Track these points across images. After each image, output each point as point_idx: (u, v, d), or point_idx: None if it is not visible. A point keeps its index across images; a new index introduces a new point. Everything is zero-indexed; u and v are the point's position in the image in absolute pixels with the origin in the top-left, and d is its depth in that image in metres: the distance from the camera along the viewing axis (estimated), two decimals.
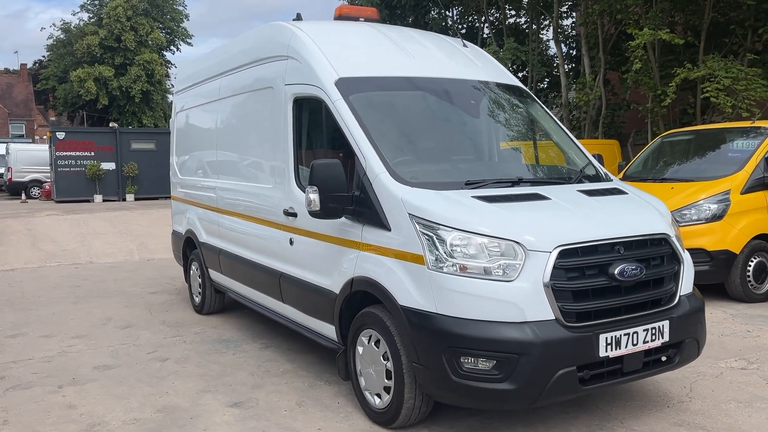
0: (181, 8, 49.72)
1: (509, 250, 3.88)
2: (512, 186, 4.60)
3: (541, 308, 3.81)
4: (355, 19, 6.28)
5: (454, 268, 3.91)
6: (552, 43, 20.81)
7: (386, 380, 4.36)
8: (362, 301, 4.64)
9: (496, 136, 5.50)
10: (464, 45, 6.28)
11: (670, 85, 12.65)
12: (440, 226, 3.99)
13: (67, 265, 12.48)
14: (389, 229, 4.29)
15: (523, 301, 3.79)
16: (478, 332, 3.80)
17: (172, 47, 50.78)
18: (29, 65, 61.51)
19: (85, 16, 48.00)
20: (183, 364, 6.07)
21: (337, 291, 4.82)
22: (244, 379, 5.61)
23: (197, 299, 8.10)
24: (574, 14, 19.86)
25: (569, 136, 5.68)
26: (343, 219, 4.67)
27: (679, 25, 15.27)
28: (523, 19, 22.77)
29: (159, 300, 8.99)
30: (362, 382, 4.66)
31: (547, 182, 4.90)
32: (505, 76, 6.08)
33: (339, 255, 4.81)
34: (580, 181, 4.98)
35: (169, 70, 49.18)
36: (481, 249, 3.90)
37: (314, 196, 4.49)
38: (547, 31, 22.35)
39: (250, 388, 5.39)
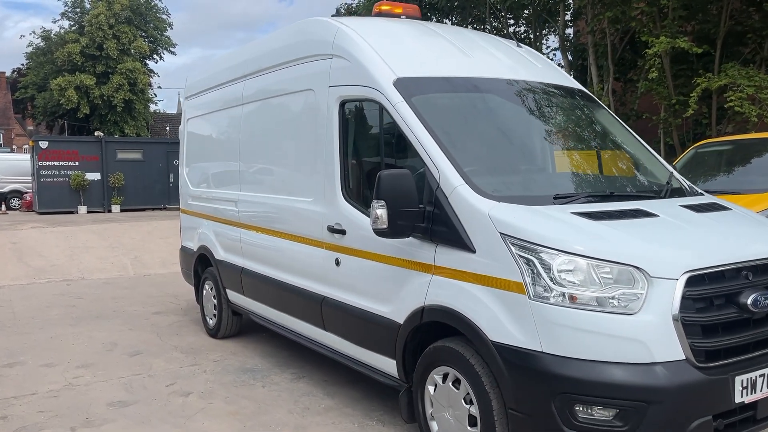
0: (164, 17, 48.93)
1: (626, 276, 3.30)
2: (607, 201, 4.03)
3: (670, 346, 3.22)
4: (396, 16, 5.70)
5: (563, 299, 3.32)
6: (555, 52, 20.45)
7: (469, 427, 3.74)
8: (434, 333, 4.04)
9: (570, 144, 4.94)
10: (518, 46, 5.73)
11: (691, 95, 12.22)
12: (543, 249, 3.40)
13: (57, 281, 11.72)
14: (473, 251, 3.69)
15: (650, 337, 3.21)
16: (597, 375, 3.20)
17: (155, 56, 49.94)
18: (7, 74, 60.16)
19: (66, 23, 47.03)
20: (209, 399, 5.40)
21: (400, 320, 4.20)
22: (283, 418, 4.96)
23: (211, 322, 7.42)
24: (578, 22, 19.47)
25: (644, 145, 5.14)
26: (410, 238, 4.06)
27: (691, 34, 14.90)
28: (522, 28, 22.38)
29: (165, 321, 8.29)
30: (434, 427, 4.04)
31: (641, 196, 4.33)
32: (566, 79, 5.54)
33: (403, 279, 4.20)
34: (670, 195, 4.42)
35: (151, 79, 48.33)
36: (593, 276, 3.31)
37: (381, 212, 3.88)
38: (547, 39, 22.00)
39: (293, 430, 4.75)
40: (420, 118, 4.19)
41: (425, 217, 3.94)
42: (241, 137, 6.48)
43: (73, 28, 46.10)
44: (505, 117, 4.76)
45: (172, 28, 50.69)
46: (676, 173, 4.85)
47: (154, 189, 27.06)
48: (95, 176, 26.23)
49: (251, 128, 6.33)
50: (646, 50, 13.02)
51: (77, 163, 26.11)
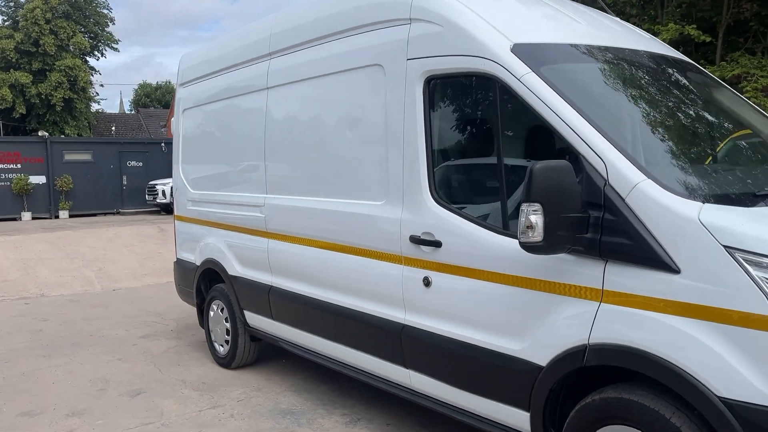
0: (105, 11, 46.66)
1: None
2: None
3: None
4: None
5: None
6: None
7: None
8: (593, 378, 3.05)
9: (729, 127, 4.01)
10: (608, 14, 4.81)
11: None
12: None
13: (13, 299, 10.26)
14: (675, 271, 2.71)
15: None
16: None
17: (96, 52, 47.71)
18: None
19: None
20: None
21: (539, 361, 3.19)
22: None
23: (221, 349, 6.25)
24: None
25: None
26: (562, 254, 3.05)
27: (693, 22, 14.35)
28: None
29: (158, 348, 7.06)
30: None
31: None
32: (676, 52, 4.62)
33: (545, 307, 3.19)
34: None
35: (92, 77, 46.06)
36: None
37: (536, 219, 2.86)
38: None
39: None
40: (561, 95, 3.19)
41: (589, 225, 2.94)
42: (266, 129, 5.34)
43: (6, 23, 43.56)
44: (653, 94, 3.78)
45: (113, 24, 48.54)
46: None
47: (106, 192, 25.23)
48: (40, 179, 24.25)
49: (282, 117, 5.20)
50: None
51: (19, 166, 24.07)
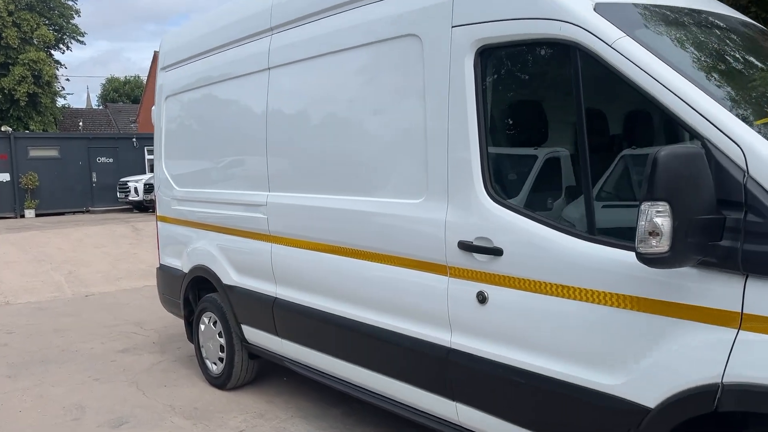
0: (70, 2, 45.15)
1: None
2: None
3: None
4: None
5: None
6: None
7: None
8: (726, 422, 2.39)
9: None
10: None
11: None
12: None
13: None
14: None
15: None
16: None
17: (61, 45, 46.22)
18: None
19: None
20: None
21: (646, 403, 2.52)
22: None
23: (215, 368, 5.50)
24: None
25: None
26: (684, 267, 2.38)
27: None
28: None
29: (141, 364, 6.27)
30: None
31: None
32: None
33: (652, 333, 2.51)
34: None
35: (57, 71, 44.58)
36: None
37: (663, 223, 2.18)
38: None
39: None
40: (671, 65, 2.52)
41: (725, 230, 2.28)
42: (268, 116, 4.59)
43: None
44: (750, 63, 3.12)
45: (79, 16, 47.10)
46: None
47: (74, 190, 24.13)
48: (4, 177, 23.10)
49: (287, 102, 4.46)
50: None
51: None
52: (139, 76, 67.15)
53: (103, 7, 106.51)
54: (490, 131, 3.16)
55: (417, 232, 3.44)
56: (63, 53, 50.19)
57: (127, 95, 65.80)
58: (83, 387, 5.69)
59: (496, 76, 3.21)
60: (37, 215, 23.11)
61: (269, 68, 4.58)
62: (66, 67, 46.10)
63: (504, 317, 3.06)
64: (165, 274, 6.20)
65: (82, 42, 46.75)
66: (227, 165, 5.22)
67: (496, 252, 3.04)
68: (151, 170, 25.40)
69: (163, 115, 6.08)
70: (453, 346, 3.31)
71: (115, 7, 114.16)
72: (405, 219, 3.52)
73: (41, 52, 41.71)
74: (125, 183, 23.79)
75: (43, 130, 42.27)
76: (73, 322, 8.27)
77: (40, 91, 41.79)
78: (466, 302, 3.21)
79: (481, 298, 3.13)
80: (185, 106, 5.76)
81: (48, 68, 41.93)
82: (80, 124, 45.03)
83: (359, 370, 3.94)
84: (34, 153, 23.66)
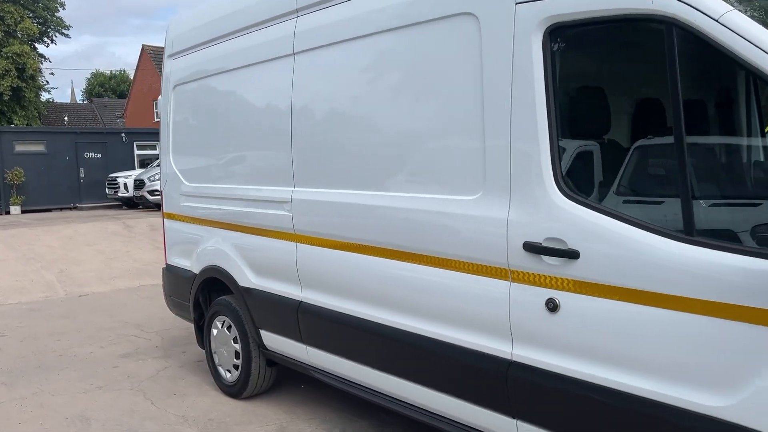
0: None
1: None
2: None
3: None
4: None
5: None
6: None
7: None
8: None
9: None
10: None
11: None
12: None
13: None
14: None
15: None
16: None
17: (45, 39, 45.49)
18: None
19: None
20: None
21: (762, 428, 2.21)
22: None
23: (229, 375, 5.14)
24: None
25: None
26: None
27: None
28: None
29: (145, 371, 5.90)
30: None
31: None
32: None
33: (766, 348, 2.21)
34: None
35: (42, 64, 43.83)
36: None
37: None
38: None
39: None
40: None
41: None
42: (293, 105, 4.24)
43: None
44: None
45: (64, 9, 46.40)
46: None
47: (61, 186, 23.54)
48: None
49: (316, 90, 4.10)
50: None
51: None
52: (124, 71, 66.32)
53: (87, 0, 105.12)
54: (561, 121, 2.83)
55: (472, 232, 3.11)
56: (47, 47, 49.23)
57: (113, 90, 64.94)
58: (86, 396, 5.32)
59: (568, 59, 2.89)
60: (23, 211, 22.53)
61: (294, 53, 4.23)
62: (50, 61, 45.36)
63: (580, 327, 2.74)
64: (172, 275, 5.82)
65: (66, 35, 46.10)
66: (244, 158, 4.87)
67: (572, 255, 2.72)
68: (141, 166, 24.89)
69: (170, 105, 5.70)
70: (515, 359, 2.99)
71: (99, 1, 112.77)
72: (457, 217, 3.19)
73: (25, 45, 41.01)
74: (114, 179, 23.27)
75: (27, 125, 41.59)
76: (69, 324, 7.88)
77: (24, 85, 41.15)
78: (533, 310, 2.89)
79: (552, 306, 2.81)
80: (196, 95, 5.38)
81: (32, 62, 41.28)
82: (65, 118, 44.31)
83: (400, 382, 3.61)
84: (20, 147, 23.06)
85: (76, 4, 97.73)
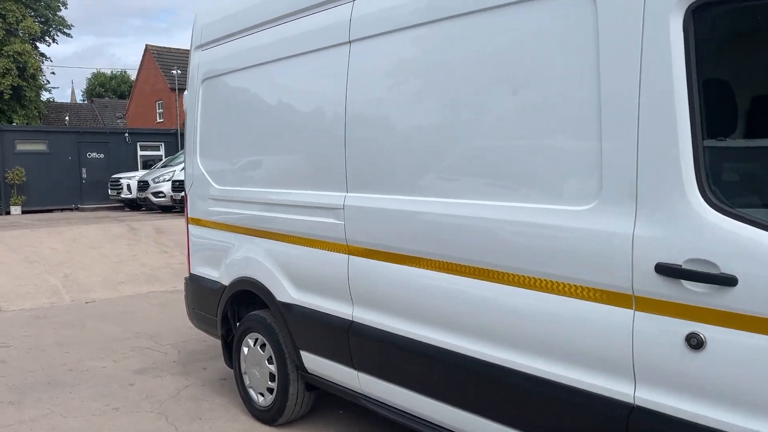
0: None
1: None
2: None
3: None
4: None
5: None
6: None
7: None
8: None
9: None
10: None
11: None
12: None
13: None
14: None
15: None
16: None
17: (47, 38, 45.19)
18: None
19: None
20: None
21: None
22: None
23: (262, 399, 4.64)
24: None
25: None
26: None
27: None
28: None
29: (165, 389, 5.40)
30: None
31: None
32: None
33: None
34: None
35: (43, 64, 43.43)
36: None
37: None
38: None
39: None
40: None
41: None
42: (348, 101, 3.74)
43: None
44: None
45: (66, 8, 46.12)
46: None
47: (62, 186, 23.03)
48: None
49: (379, 83, 3.60)
50: None
51: None
52: (125, 72, 65.94)
53: (88, 1, 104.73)
54: (707, 118, 2.34)
55: (583, 249, 2.62)
56: (49, 46, 48.91)
57: (114, 90, 64.54)
58: (102, 419, 4.81)
59: (716, 42, 2.40)
60: (23, 212, 22.00)
61: (350, 41, 3.73)
62: (51, 60, 44.98)
63: (734, 370, 2.24)
64: (197, 285, 5.31)
65: (68, 35, 45.81)
66: (285, 159, 4.37)
67: (727, 281, 2.22)
68: (144, 167, 24.38)
69: (198, 101, 5.20)
70: (638, 403, 2.49)
71: (100, 2, 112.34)
72: (562, 230, 2.69)
73: (26, 44, 40.75)
74: (117, 180, 22.75)
75: (27, 124, 41.24)
76: (77, 333, 7.37)
77: (24, 84, 40.91)
78: (667, 346, 2.39)
79: (695, 342, 2.31)
80: (230, 90, 4.88)
81: (33, 61, 41.03)
82: (66, 118, 43.88)
83: (482, 421, 3.10)
84: (21, 147, 22.55)
85: (78, 5, 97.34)
